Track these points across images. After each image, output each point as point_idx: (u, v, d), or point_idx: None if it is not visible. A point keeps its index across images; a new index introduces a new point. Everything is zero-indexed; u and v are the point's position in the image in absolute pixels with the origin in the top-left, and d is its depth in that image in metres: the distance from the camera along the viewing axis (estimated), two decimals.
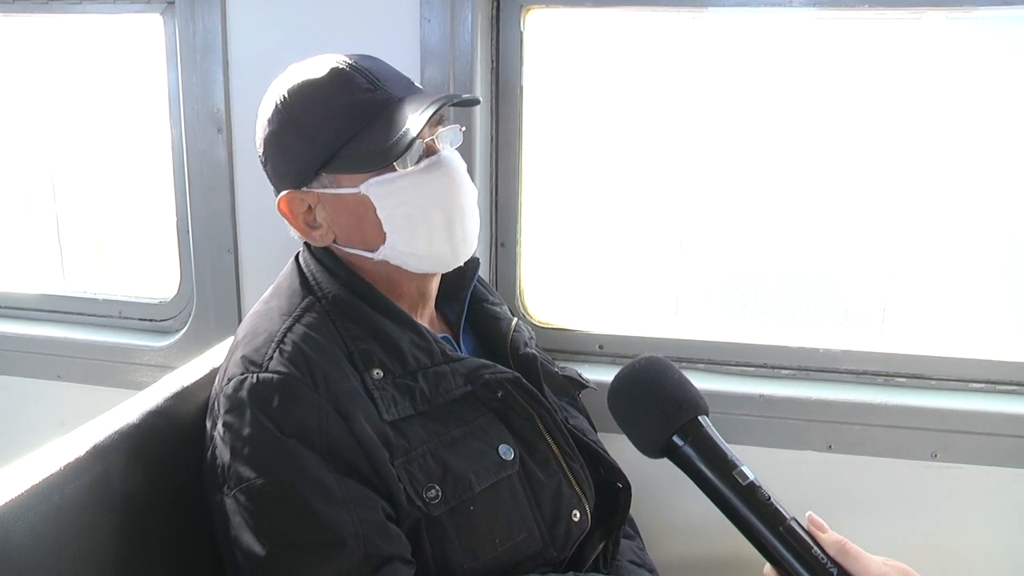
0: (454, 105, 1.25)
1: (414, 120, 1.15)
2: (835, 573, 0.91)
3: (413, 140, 1.14)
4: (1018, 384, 1.73)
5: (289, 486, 1.08)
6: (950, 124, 1.76)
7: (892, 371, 1.78)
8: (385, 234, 1.22)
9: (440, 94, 1.21)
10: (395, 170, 1.19)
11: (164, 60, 1.92)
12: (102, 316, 2.14)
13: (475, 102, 1.31)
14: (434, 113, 1.17)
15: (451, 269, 1.31)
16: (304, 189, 1.24)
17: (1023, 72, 1.71)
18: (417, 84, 1.29)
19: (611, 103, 1.91)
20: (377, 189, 1.19)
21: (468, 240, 1.27)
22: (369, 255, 1.25)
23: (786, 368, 1.82)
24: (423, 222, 1.21)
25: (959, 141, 1.77)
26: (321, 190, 1.23)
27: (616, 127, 1.93)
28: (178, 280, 2.05)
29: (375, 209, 1.20)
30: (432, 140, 1.23)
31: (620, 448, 1.13)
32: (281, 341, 1.17)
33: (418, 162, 1.20)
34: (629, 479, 1.36)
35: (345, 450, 1.10)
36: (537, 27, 1.79)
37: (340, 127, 1.18)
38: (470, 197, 1.26)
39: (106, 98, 2.15)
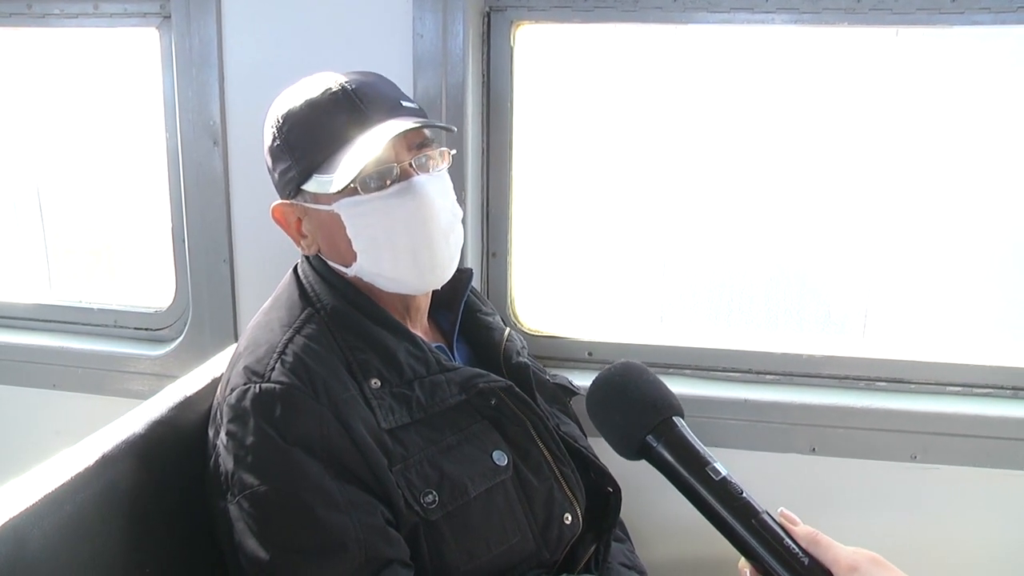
0: (431, 127, 1.28)
1: (372, 148, 1.17)
2: (806, 562, 0.93)
3: (367, 167, 1.18)
4: (994, 387, 1.78)
5: (292, 492, 1.11)
6: (930, 133, 1.80)
7: (873, 376, 1.82)
8: (355, 253, 1.25)
9: (417, 119, 1.23)
10: (364, 193, 1.21)
11: (160, 72, 1.95)
12: (97, 325, 2.16)
13: (449, 130, 1.31)
14: (415, 130, 1.22)
15: (422, 293, 1.34)
16: (292, 202, 1.29)
17: (1000, 83, 1.76)
18: (408, 99, 1.31)
19: (598, 115, 1.94)
20: (348, 209, 1.23)
21: (437, 268, 1.28)
22: (345, 270, 1.29)
23: (770, 373, 1.86)
24: (388, 245, 1.24)
25: (938, 149, 1.81)
26: (305, 204, 1.28)
27: (603, 137, 1.96)
28: (174, 290, 2.07)
29: (345, 228, 1.24)
30: (410, 164, 1.24)
31: (611, 453, 1.16)
32: (282, 352, 1.20)
33: (389, 186, 1.22)
34: (619, 483, 1.39)
35: (346, 457, 1.13)
36: (527, 42, 1.82)
37: (317, 148, 1.23)
38: (443, 224, 1.26)
39: (101, 109, 2.16)
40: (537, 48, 1.85)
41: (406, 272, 1.26)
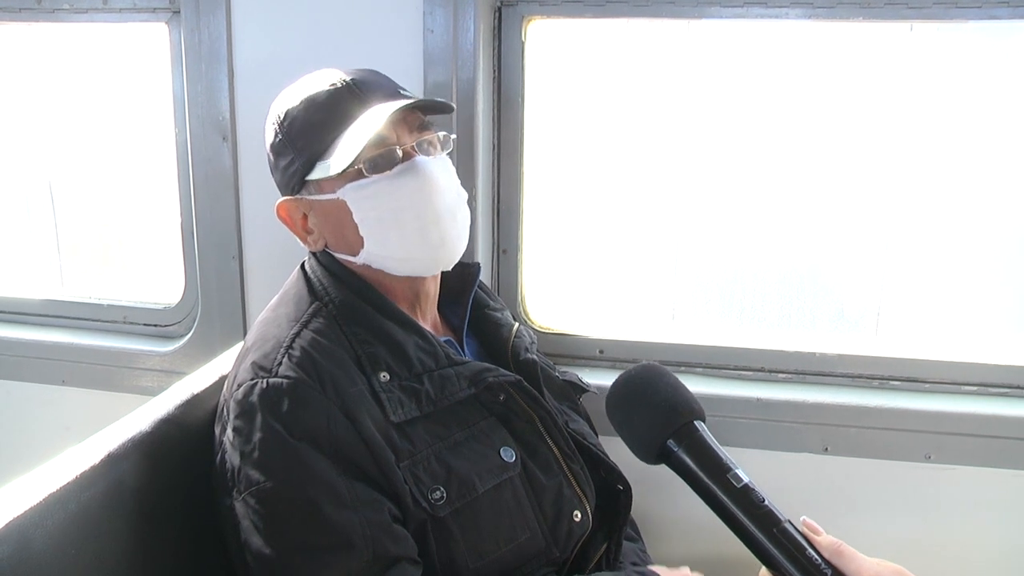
0: (434, 112, 1.28)
1: (372, 125, 1.18)
2: (829, 574, 0.92)
3: (369, 149, 1.19)
4: (1010, 387, 1.76)
5: (298, 489, 1.10)
6: (944, 129, 1.79)
7: (887, 375, 1.80)
8: (362, 238, 1.25)
9: (413, 99, 1.24)
10: (369, 176, 1.21)
11: (169, 68, 1.94)
12: (107, 321, 2.15)
13: (447, 108, 1.30)
14: (409, 107, 1.21)
15: (433, 273, 1.33)
16: (297, 197, 1.29)
17: (1015, 79, 1.74)
18: (412, 91, 1.31)
19: (610, 111, 1.93)
20: (353, 194, 1.23)
21: (448, 244, 1.28)
22: (353, 259, 1.28)
23: (783, 372, 1.84)
24: (395, 225, 1.23)
25: (952, 146, 1.79)
26: (309, 197, 1.27)
27: (615, 133, 1.95)
28: (183, 286, 2.06)
29: (352, 213, 1.24)
30: (412, 146, 1.24)
31: (621, 451, 1.15)
32: (290, 347, 1.19)
33: (392, 167, 1.22)
34: (630, 481, 1.38)
35: (353, 453, 1.12)
36: (538, 37, 1.81)
37: (318, 137, 1.23)
38: (449, 202, 1.26)
39: (111, 104, 2.16)
40: (548, 43, 1.84)
41: (416, 250, 1.25)
